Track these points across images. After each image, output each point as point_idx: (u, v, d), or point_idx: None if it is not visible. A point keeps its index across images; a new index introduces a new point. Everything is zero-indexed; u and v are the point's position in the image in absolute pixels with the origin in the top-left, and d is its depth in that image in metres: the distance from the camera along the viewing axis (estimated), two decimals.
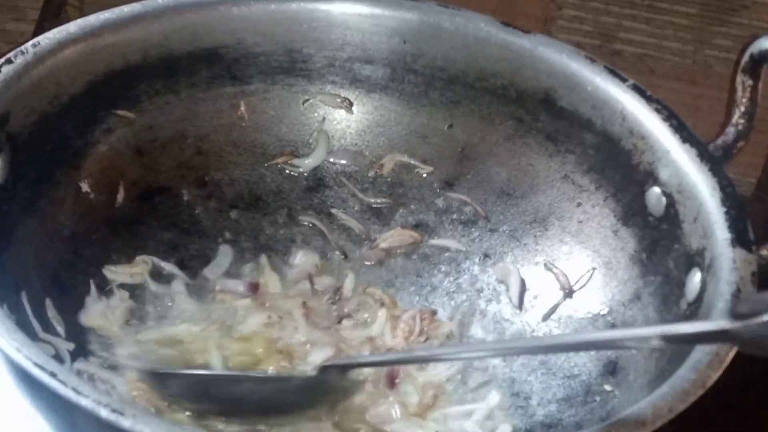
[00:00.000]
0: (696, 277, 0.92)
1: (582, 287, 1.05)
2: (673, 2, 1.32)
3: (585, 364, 1.00)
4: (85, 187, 1.02)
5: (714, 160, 0.96)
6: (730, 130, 0.99)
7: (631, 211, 1.02)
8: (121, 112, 1.05)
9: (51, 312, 0.96)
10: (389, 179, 1.14)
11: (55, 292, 0.97)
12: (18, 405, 0.84)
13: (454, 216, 1.12)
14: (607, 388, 0.96)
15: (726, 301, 0.86)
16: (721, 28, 1.33)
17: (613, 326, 1.00)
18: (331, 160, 1.14)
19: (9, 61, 0.95)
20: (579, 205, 1.06)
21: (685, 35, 1.34)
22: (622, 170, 1.03)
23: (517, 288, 1.07)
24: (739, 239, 0.90)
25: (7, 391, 0.84)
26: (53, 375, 0.74)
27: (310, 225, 1.12)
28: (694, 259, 0.92)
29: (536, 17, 1.30)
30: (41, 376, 0.73)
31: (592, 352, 0.99)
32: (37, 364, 0.74)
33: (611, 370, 0.98)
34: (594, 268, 1.05)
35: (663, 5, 1.33)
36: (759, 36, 0.96)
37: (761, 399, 1.09)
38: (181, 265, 1.07)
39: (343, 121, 1.14)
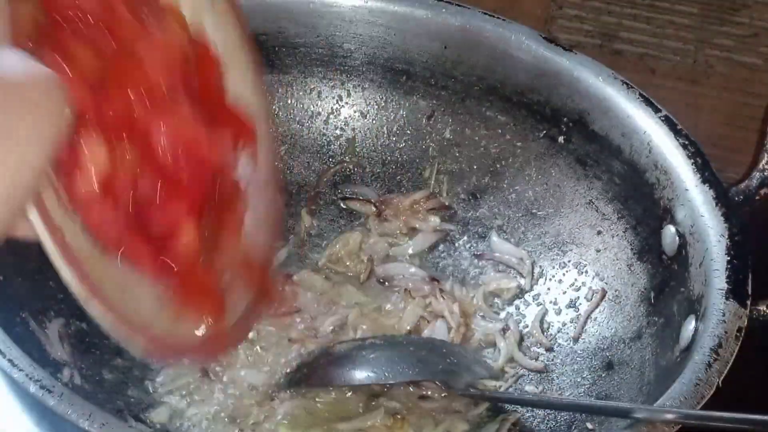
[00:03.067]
0: (691, 325, 0.88)
1: (588, 318, 1.01)
2: (674, 2, 1.28)
3: (574, 398, 0.97)
4: None
5: (730, 205, 0.92)
6: (756, 175, 0.95)
7: (648, 246, 0.99)
8: None
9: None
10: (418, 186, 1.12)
11: None
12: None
13: (478, 229, 1.10)
14: (589, 426, 0.93)
15: (705, 354, 0.82)
16: (722, 28, 1.27)
17: (610, 363, 0.97)
18: (359, 160, 1.13)
19: None
20: (599, 233, 1.03)
21: (686, 35, 1.29)
22: (644, 203, 0.99)
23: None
24: (735, 291, 0.86)
25: None
26: None
27: (330, 219, 1.11)
28: (694, 306, 0.89)
29: (537, 17, 1.27)
30: None
31: (582, 389, 0.97)
32: None
33: None
34: (604, 301, 1.01)
35: (664, 5, 1.28)
36: None
37: (762, 400, 1.05)
38: None
39: (377, 120, 1.12)
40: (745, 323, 0.84)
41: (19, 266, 0.93)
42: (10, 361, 0.74)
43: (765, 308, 0.88)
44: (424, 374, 0.93)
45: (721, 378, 0.80)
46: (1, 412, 0.85)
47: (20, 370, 0.73)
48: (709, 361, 0.81)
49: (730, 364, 0.81)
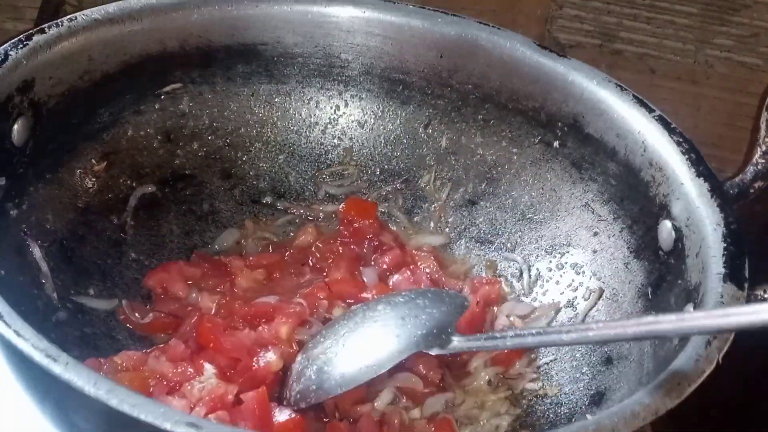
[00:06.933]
0: None
1: (585, 316, 1.02)
2: (674, 2, 1.30)
3: (573, 392, 0.97)
4: (105, 163, 1.04)
5: (725, 197, 0.93)
6: (749, 169, 0.96)
7: (644, 244, 0.99)
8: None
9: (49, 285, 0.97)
10: (416, 194, 1.13)
11: (58, 259, 0.98)
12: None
13: (473, 233, 1.11)
14: (589, 417, 0.93)
15: (703, 337, 0.82)
16: (722, 28, 1.30)
17: (609, 359, 0.97)
18: (358, 170, 1.14)
19: (42, 31, 0.98)
20: (596, 234, 1.04)
21: (686, 35, 1.31)
22: (639, 202, 1.00)
23: None
24: (732, 275, 0.86)
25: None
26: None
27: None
28: (692, 294, 0.89)
29: (537, 17, 1.29)
30: None
31: (582, 384, 0.97)
32: None
33: (597, 400, 0.95)
34: (601, 300, 1.02)
35: (664, 5, 1.30)
36: None
37: (759, 398, 1.04)
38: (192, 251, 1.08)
39: (374, 130, 1.14)
40: (743, 305, 0.84)
41: (19, 263, 0.93)
42: (15, 331, 0.74)
43: (762, 293, 0.88)
44: (409, 348, 0.91)
45: (721, 354, 0.80)
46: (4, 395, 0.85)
47: (26, 339, 0.73)
48: (708, 339, 0.81)
49: (730, 342, 0.81)
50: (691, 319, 0.76)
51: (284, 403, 0.92)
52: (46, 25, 0.99)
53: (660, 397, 0.77)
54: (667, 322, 0.76)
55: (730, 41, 1.30)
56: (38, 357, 0.73)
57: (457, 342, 0.91)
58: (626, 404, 0.76)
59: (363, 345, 0.92)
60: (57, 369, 0.72)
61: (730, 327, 0.75)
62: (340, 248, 1.06)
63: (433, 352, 0.91)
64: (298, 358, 0.94)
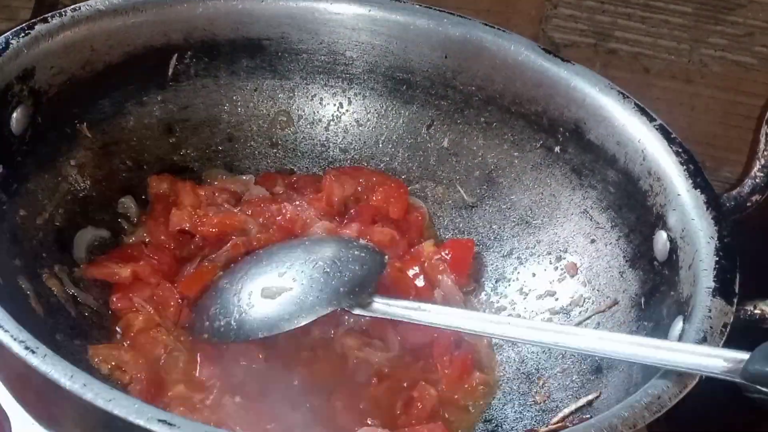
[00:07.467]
0: (678, 326, 0.88)
1: (579, 325, 1.01)
2: (668, 1, 1.28)
3: (561, 400, 0.96)
4: (105, 154, 1.04)
5: (720, 210, 0.92)
6: (747, 183, 0.95)
7: (639, 253, 0.99)
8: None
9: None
10: (416, 194, 1.13)
11: (54, 248, 0.99)
12: None
13: (471, 236, 1.11)
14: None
15: None
16: (717, 27, 1.28)
17: (599, 367, 0.96)
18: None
19: (45, 21, 0.99)
20: (593, 242, 1.04)
21: (680, 34, 1.30)
22: (637, 211, 0.99)
23: None
24: (722, 290, 0.86)
25: None
26: None
27: None
28: (682, 307, 0.89)
29: (531, 16, 1.28)
30: None
31: (570, 392, 0.96)
32: None
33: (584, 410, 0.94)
34: (594, 307, 1.01)
35: (658, 4, 1.29)
36: None
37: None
38: None
39: (377, 128, 1.14)
40: (731, 320, 0.84)
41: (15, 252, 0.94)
42: None
43: (752, 308, 0.88)
44: (330, 305, 0.94)
45: None
46: None
47: (5, 331, 0.73)
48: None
49: None
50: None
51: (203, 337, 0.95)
52: (49, 14, 0.99)
53: (639, 411, 0.76)
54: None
55: (724, 40, 1.29)
56: (17, 349, 0.73)
57: (377, 305, 0.95)
58: (604, 417, 0.76)
59: (285, 297, 0.95)
60: (35, 361, 0.72)
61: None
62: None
63: (355, 311, 0.94)
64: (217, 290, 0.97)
